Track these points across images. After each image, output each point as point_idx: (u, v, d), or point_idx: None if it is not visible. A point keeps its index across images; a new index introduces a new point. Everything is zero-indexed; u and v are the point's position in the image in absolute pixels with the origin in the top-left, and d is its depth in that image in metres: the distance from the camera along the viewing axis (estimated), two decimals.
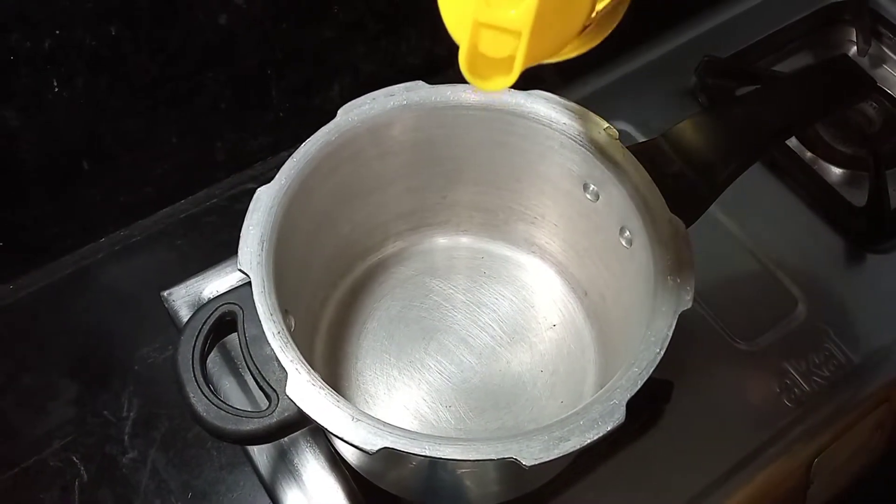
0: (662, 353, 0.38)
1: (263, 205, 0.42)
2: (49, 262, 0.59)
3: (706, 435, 0.52)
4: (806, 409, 0.53)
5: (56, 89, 0.50)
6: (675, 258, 0.41)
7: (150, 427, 0.52)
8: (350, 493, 0.49)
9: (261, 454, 0.51)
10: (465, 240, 0.56)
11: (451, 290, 0.54)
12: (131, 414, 0.53)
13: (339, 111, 0.45)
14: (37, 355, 0.55)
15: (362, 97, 0.46)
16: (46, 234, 0.58)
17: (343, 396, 0.38)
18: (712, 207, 0.45)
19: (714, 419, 0.53)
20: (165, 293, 0.56)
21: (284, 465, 0.50)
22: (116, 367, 0.54)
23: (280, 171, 0.43)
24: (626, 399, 0.37)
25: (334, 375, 0.50)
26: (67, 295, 0.57)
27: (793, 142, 0.65)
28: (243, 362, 0.39)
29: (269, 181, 0.43)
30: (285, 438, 0.51)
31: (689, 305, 0.40)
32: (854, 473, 0.56)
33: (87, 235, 0.60)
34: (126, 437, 0.52)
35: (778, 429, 0.52)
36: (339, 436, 0.36)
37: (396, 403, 0.50)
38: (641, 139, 0.52)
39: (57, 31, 0.48)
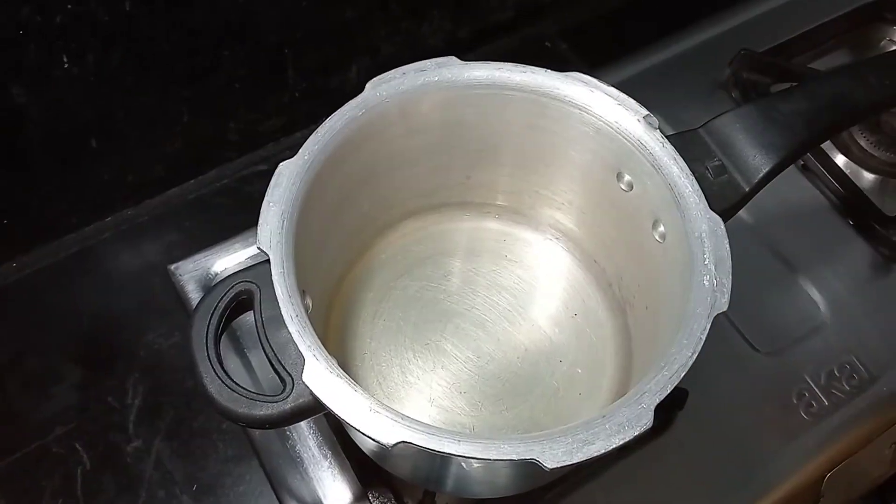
0: (695, 357, 0.37)
1: (285, 180, 0.40)
2: (53, 240, 0.57)
3: (718, 444, 0.51)
4: (822, 423, 0.52)
5: (66, 66, 0.48)
6: (712, 257, 0.40)
7: (155, 415, 0.51)
8: (356, 487, 0.49)
9: (266, 446, 0.50)
10: (488, 222, 0.54)
11: (471, 273, 0.52)
12: (136, 401, 0.51)
13: (367, 84, 0.43)
14: (40, 336, 0.54)
15: (392, 71, 0.44)
16: (51, 212, 0.56)
17: (356, 376, 0.36)
18: None
19: (727, 428, 0.52)
20: (172, 267, 0.55)
21: (290, 457, 0.49)
22: (121, 351, 0.53)
23: (304, 146, 0.41)
24: (655, 404, 0.35)
25: (348, 354, 0.49)
26: (72, 275, 0.56)
27: (825, 144, 0.63)
28: (257, 343, 0.38)
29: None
30: (292, 431, 0.50)
31: (726, 308, 0.38)
32: (865, 490, 0.55)
33: (94, 214, 0.58)
34: (130, 426, 0.51)
35: (792, 441, 0.51)
36: (356, 427, 0.34)
37: (410, 386, 0.48)
38: (670, 131, 0.50)
39: (69, 6, 0.46)
